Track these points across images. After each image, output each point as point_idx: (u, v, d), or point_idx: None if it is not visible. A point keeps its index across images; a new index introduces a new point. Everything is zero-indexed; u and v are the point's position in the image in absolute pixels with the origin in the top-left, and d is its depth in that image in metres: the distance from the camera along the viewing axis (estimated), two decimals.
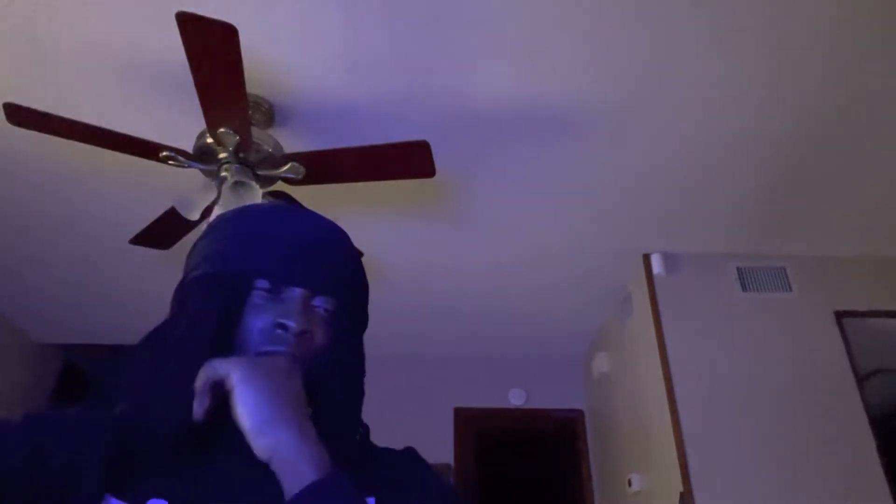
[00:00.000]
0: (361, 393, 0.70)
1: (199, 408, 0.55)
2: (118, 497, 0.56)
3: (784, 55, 2.13)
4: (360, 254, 0.69)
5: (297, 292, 0.64)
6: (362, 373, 0.71)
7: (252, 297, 0.63)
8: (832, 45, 2.10)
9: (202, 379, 0.56)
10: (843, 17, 2.00)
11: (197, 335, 0.62)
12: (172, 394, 0.58)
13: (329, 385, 0.64)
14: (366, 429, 0.70)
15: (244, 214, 0.70)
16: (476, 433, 4.36)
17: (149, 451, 0.59)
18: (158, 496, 0.57)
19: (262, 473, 0.54)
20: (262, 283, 0.64)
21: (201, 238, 0.71)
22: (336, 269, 0.68)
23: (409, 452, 0.72)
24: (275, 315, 0.62)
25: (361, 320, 0.73)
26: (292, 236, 0.67)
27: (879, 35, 2.07)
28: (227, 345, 0.62)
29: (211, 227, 0.71)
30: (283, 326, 0.62)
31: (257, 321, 0.62)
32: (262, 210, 0.71)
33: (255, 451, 0.53)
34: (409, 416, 4.19)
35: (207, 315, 0.62)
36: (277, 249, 0.65)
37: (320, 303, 0.65)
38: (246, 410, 0.53)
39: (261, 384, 0.55)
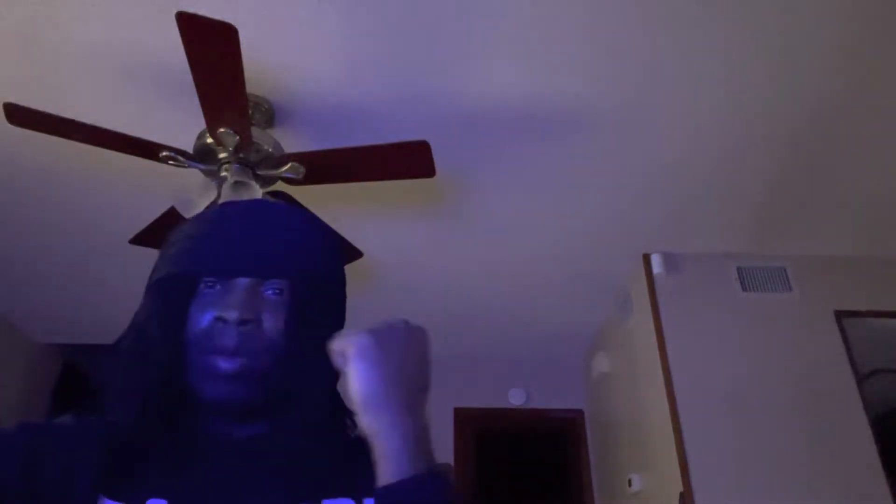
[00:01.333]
0: (335, 375, 0.68)
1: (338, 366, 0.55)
2: (113, 499, 0.56)
3: (785, 56, 2.13)
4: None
5: (241, 282, 0.63)
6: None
7: (198, 296, 0.63)
8: (833, 46, 2.10)
9: (336, 346, 0.56)
10: (844, 17, 2.00)
11: (142, 343, 0.63)
12: (124, 398, 0.60)
13: (293, 369, 0.62)
14: (354, 423, 0.68)
15: (196, 217, 0.71)
16: (476, 433, 4.36)
17: (146, 452, 0.59)
18: (158, 496, 0.57)
19: (262, 472, 0.54)
20: (209, 281, 0.63)
21: (163, 245, 0.71)
22: (286, 251, 0.66)
23: None
24: (215, 310, 0.61)
25: (331, 298, 0.70)
26: (237, 228, 0.67)
27: (880, 35, 2.06)
28: (175, 348, 0.61)
29: (171, 233, 0.72)
30: (223, 319, 0.61)
31: (200, 320, 0.62)
32: (216, 209, 0.71)
33: (361, 427, 0.52)
34: None
35: (151, 322, 0.63)
36: (221, 244, 0.65)
37: (270, 286, 0.64)
38: (354, 386, 0.53)
39: (376, 356, 0.53)
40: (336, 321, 0.71)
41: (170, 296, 0.63)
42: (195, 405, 0.62)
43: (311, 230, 0.71)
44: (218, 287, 0.63)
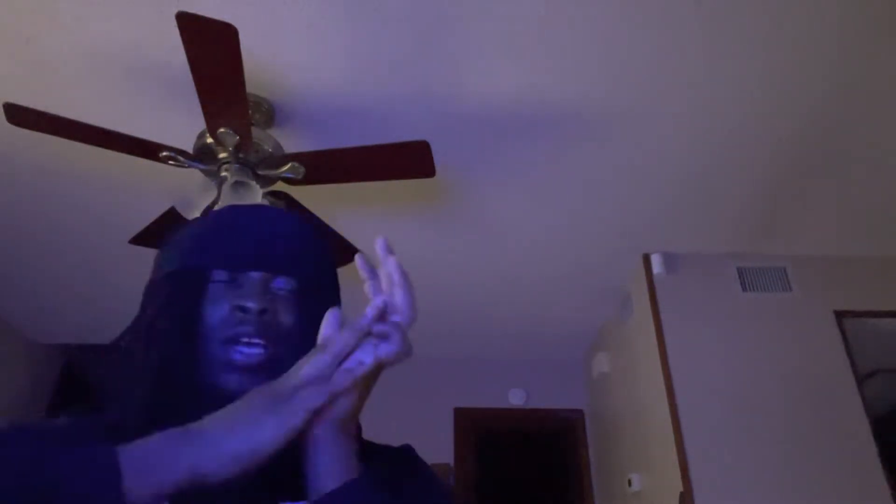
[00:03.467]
0: None
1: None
2: None
3: (785, 56, 2.13)
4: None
5: (255, 275, 0.65)
6: None
7: (209, 289, 0.64)
8: (834, 46, 2.10)
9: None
10: (845, 17, 2.00)
11: (152, 337, 0.63)
12: (128, 395, 0.60)
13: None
14: (357, 427, 0.69)
15: (201, 218, 0.73)
16: (476, 433, 4.36)
17: None
18: None
19: (264, 469, 0.54)
20: (220, 275, 0.65)
21: (164, 244, 0.73)
22: (294, 251, 0.69)
23: (407, 451, 0.72)
24: (233, 301, 0.63)
25: (330, 299, 0.72)
26: (246, 227, 0.69)
27: (881, 35, 2.07)
28: (189, 340, 0.62)
29: (173, 233, 0.73)
30: (243, 308, 0.63)
31: (217, 310, 0.63)
32: (219, 210, 0.73)
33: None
34: (409, 416, 4.19)
35: (162, 316, 0.64)
36: (233, 240, 0.67)
37: (281, 283, 0.66)
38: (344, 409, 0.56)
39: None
40: None
41: (181, 289, 0.64)
42: (200, 399, 0.62)
43: (312, 231, 0.74)
44: (229, 281, 0.65)
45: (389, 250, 0.60)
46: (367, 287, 0.60)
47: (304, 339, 0.64)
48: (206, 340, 0.63)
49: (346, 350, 0.55)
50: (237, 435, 0.50)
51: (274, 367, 0.62)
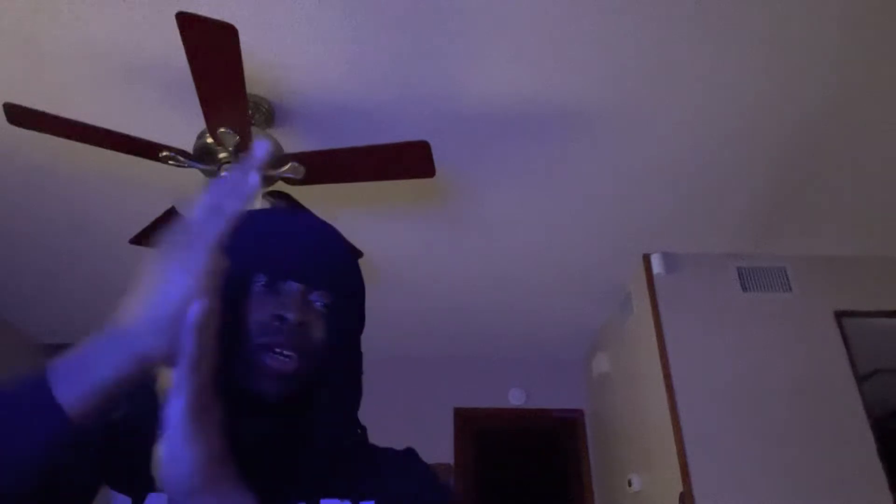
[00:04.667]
0: (359, 391, 0.71)
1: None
2: (117, 491, 0.57)
3: (784, 56, 2.13)
4: (359, 254, 0.70)
5: (295, 286, 0.65)
6: (360, 370, 0.72)
7: (250, 292, 0.64)
8: (833, 46, 2.10)
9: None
10: (844, 17, 2.00)
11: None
12: (139, 392, 0.59)
13: (329, 382, 0.65)
14: (363, 429, 0.70)
15: (241, 216, 0.71)
16: (476, 433, 4.36)
17: (146, 447, 0.59)
18: (157, 490, 0.57)
19: (266, 467, 0.54)
20: (260, 279, 0.65)
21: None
22: (332, 267, 0.69)
23: (409, 454, 0.72)
24: (272, 308, 0.63)
25: (359, 319, 0.74)
26: (288, 235, 0.69)
27: (880, 35, 2.07)
28: (231, 340, 0.62)
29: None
30: (281, 318, 0.63)
31: (255, 315, 0.63)
32: (258, 212, 0.73)
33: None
34: (409, 416, 4.20)
35: None
36: (274, 246, 0.67)
37: (317, 298, 0.66)
38: None
39: None
40: (359, 340, 0.74)
41: (229, 287, 0.63)
42: (234, 403, 0.61)
43: (349, 249, 0.74)
44: (268, 289, 0.65)
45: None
46: None
47: (332, 355, 0.66)
48: (243, 344, 0.63)
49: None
50: (151, 306, 0.48)
51: (303, 377, 0.63)
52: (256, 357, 0.62)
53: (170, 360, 0.47)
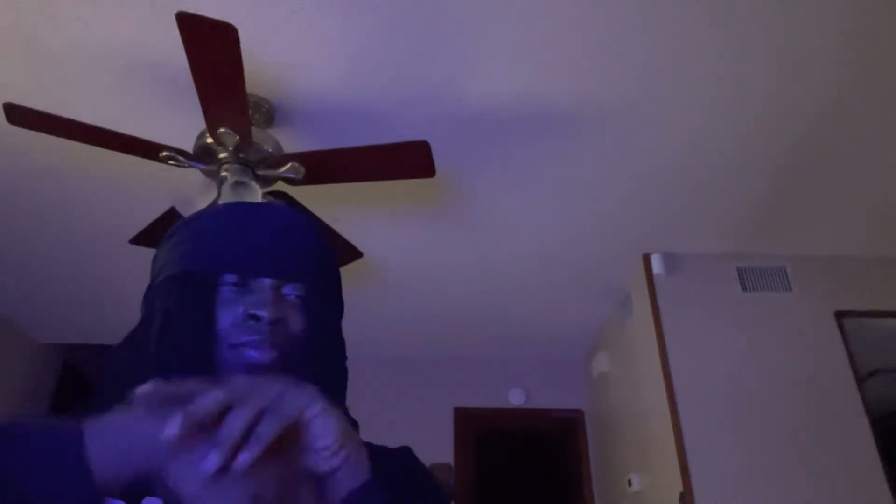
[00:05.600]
0: (345, 376, 0.71)
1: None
2: (112, 497, 0.56)
3: (785, 56, 2.13)
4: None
5: (267, 282, 0.64)
6: (343, 356, 0.71)
7: (221, 292, 0.64)
8: (833, 47, 2.10)
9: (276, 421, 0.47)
10: (845, 17, 2.00)
11: (170, 335, 0.62)
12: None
13: (310, 371, 0.63)
14: (354, 423, 0.69)
15: (206, 214, 0.71)
16: (476, 433, 4.36)
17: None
18: (153, 494, 0.57)
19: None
20: (231, 278, 0.64)
21: (164, 242, 0.71)
22: (304, 257, 0.68)
23: (405, 452, 0.72)
24: (245, 307, 0.63)
25: (336, 305, 0.73)
26: (256, 229, 0.67)
27: (881, 35, 2.06)
28: (204, 342, 0.62)
29: (173, 230, 0.71)
30: (255, 317, 0.62)
31: (228, 315, 0.63)
32: (224, 208, 0.71)
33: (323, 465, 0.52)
34: (409, 416, 4.20)
35: (179, 315, 0.63)
36: (242, 243, 0.66)
37: (291, 290, 0.65)
38: (330, 428, 0.52)
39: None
40: (340, 325, 0.73)
41: (195, 291, 0.63)
42: None
43: (320, 235, 0.73)
44: (240, 286, 0.64)
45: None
46: None
47: (311, 346, 0.65)
48: (217, 344, 0.62)
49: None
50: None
51: (284, 371, 0.62)
52: (233, 356, 0.61)
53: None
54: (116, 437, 0.47)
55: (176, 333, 0.62)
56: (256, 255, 0.65)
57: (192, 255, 0.66)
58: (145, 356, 0.63)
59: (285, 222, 0.70)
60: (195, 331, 0.62)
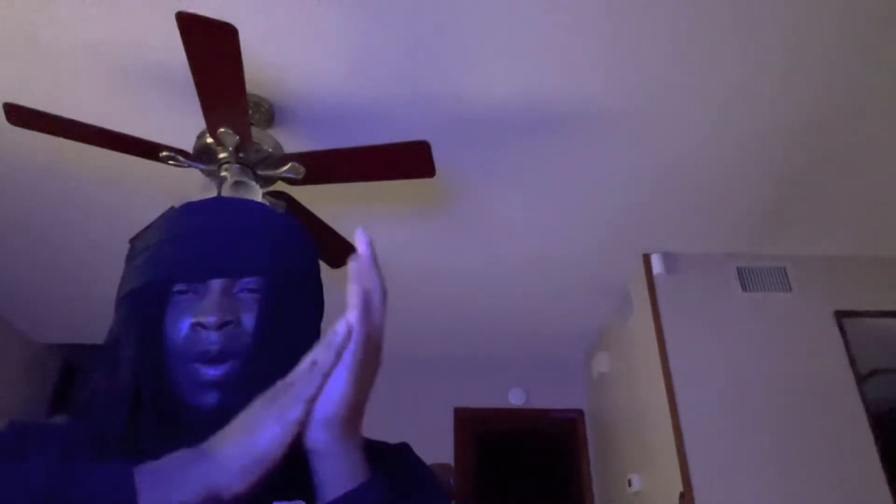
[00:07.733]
0: None
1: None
2: None
3: (786, 57, 2.13)
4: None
5: (214, 284, 0.61)
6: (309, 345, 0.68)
7: (172, 304, 0.61)
8: (834, 47, 2.10)
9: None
10: (846, 17, 2.00)
11: (120, 356, 0.61)
12: (108, 408, 0.59)
13: (268, 366, 0.59)
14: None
15: (156, 224, 0.69)
16: (476, 433, 4.36)
17: (132, 454, 0.58)
18: None
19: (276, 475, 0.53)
20: (180, 287, 0.61)
21: (127, 258, 0.69)
22: (258, 248, 0.64)
23: (403, 448, 0.71)
24: (192, 316, 0.60)
25: (308, 293, 0.68)
26: (202, 230, 0.64)
27: (882, 36, 2.06)
28: (154, 359, 0.60)
29: (131, 244, 0.70)
30: (201, 325, 0.59)
31: (180, 327, 0.60)
32: (172, 214, 0.68)
33: (307, 442, 0.52)
34: (409, 416, 4.19)
35: (127, 336, 0.61)
36: (186, 248, 0.63)
37: (245, 285, 0.62)
38: (337, 396, 0.53)
39: (367, 369, 0.55)
40: (313, 319, 0.69)
41: (142, 307, 0.61)
42: (183, 421, 0.60)
43: (282, 221, 0.69)
44: (191, 292, 0.61)
45: (369, 245, 0.59)
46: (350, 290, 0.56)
47: (267, 339, 0.61)
48: (175, 359, 0.59)
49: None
50: (239, 445, 0.49)
51: (242, 381, 0.59)
52: (193, 371, 0.59)
53: (237, 501, 0.47)
54: (164, 478, 0.47)
55: (126, 355, 0.61)
56: (202, 257, 0.62)
57: (144, 268, 0.64)
58: (109, 376, 0.62)
59: (238, 216, 0.67)
60: (142, 352, 0.60)
